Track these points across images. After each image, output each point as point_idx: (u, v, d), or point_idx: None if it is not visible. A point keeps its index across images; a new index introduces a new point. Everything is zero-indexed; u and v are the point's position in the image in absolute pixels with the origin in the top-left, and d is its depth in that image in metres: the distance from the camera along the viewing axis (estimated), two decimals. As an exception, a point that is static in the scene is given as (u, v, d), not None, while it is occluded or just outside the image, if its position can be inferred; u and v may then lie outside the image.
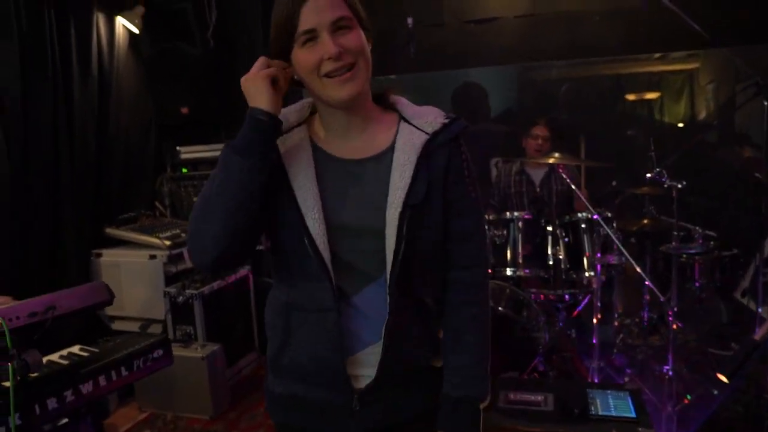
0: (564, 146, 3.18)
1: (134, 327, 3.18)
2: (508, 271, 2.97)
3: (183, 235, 3.33)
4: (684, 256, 3.24)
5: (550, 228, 2.99)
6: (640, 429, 1.86)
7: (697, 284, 3.31)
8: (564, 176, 3.02)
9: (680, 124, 5.28)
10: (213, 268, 1.11)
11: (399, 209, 1.06)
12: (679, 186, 2.59)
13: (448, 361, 1.18)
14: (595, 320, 2.79)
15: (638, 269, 2.71)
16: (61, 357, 1.85)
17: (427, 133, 1.12)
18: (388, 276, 1.08)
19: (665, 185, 2.68)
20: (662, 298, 2.71)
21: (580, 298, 3.15)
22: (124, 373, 1.81)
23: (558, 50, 3.53)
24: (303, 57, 1.06)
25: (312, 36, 1.05)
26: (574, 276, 2.94)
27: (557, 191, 3.44)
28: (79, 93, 3.15)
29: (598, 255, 2.79)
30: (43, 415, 1.56)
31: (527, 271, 2.97)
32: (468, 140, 1.17)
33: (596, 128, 4.07)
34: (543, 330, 2.81)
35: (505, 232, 3.00)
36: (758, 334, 1.21)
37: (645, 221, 3.34)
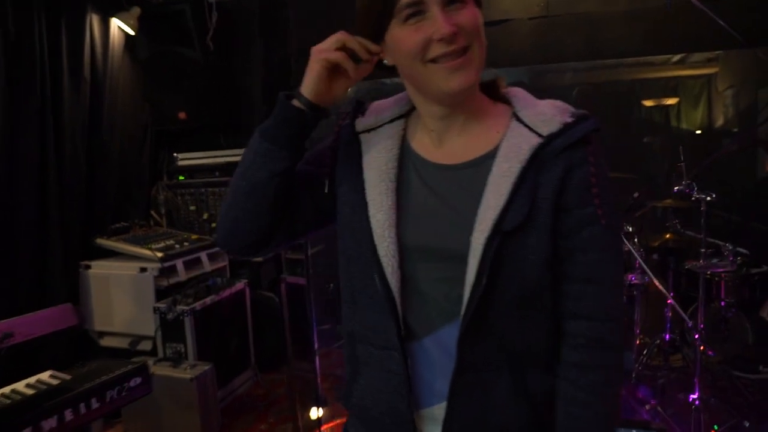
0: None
1: (124, 343, 3.03)
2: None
3: (177, 246, 3.18)
4: (709, 273, 3.03)
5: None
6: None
7: (723, 303, 3.09)
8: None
9: (698, 131, 5.09)
10: (232, 252, 1.04)
11: (486, 234, 0.84)
12: (708, 199, 2.39)
13: None
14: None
15: (660, 287, 2.51)
16: (28, 386, 1.68)
17: (540, 136, 0.87)
18: (461, 316, 0.86)
19: (693, 198, 2.47)
20: (688, 322, 2.50)
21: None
22: (95, 405, 1.64)
23: (574, 53, 3.35)
24: (405, 36, 0.85)
25: (418, 9, 0.84)
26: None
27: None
28: (69, 97, 3.01)
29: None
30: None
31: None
32: (601, 146, 0.89)
33: (612, 135, 3.87)
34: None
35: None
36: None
37: (668, 236, 3.13)
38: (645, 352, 3.11)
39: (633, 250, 2.51)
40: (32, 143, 2.83)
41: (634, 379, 2.98)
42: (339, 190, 0.98)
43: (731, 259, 2.81)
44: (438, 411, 0.90)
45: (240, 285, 3.32)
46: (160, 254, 3.00)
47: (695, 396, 2.40)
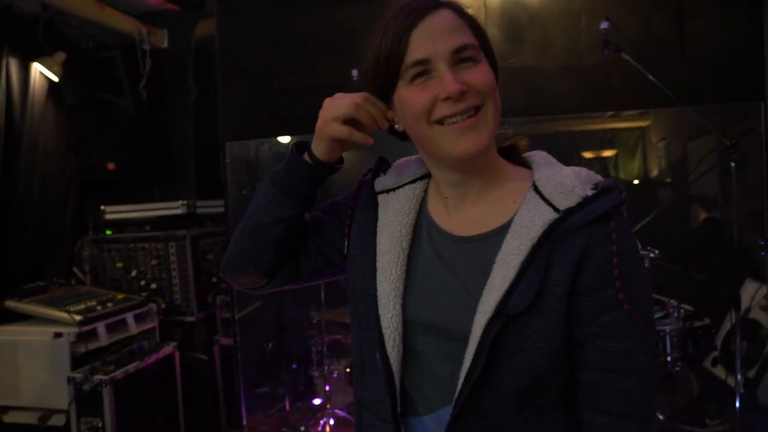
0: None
1: (32, 419, 2.71)
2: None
3: (99, 307, 2.92)
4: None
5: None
6: None
7: (669, 359, 3.08)
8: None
9: (636, 181, 5.24)
10: (232, 284, 1.06)
11: (488, 316, 0.78)
12: (652, 255, 2.37)
13: None
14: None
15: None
16: None
17: (557, 210, 0.79)
18: (454, 399, 0.80)
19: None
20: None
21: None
22: None
23: (513, 108, 3.39)
24: (411, 97, 0.81)
25: (424, 69, 0.79)
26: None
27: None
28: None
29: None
30: None
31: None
32: (626, 221, 0.81)
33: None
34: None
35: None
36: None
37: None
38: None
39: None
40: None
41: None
42: (352, 252, 0.95)
43: (676, 315, 2.82)
44: None
45: (169, 348, 3.07)
46: (78, 317, 2.73)
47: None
